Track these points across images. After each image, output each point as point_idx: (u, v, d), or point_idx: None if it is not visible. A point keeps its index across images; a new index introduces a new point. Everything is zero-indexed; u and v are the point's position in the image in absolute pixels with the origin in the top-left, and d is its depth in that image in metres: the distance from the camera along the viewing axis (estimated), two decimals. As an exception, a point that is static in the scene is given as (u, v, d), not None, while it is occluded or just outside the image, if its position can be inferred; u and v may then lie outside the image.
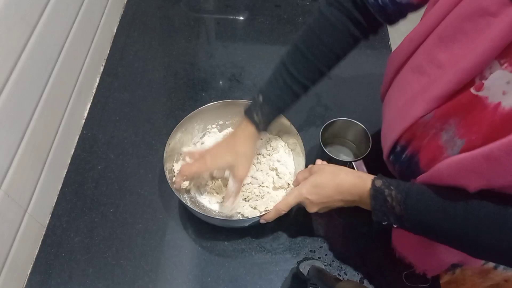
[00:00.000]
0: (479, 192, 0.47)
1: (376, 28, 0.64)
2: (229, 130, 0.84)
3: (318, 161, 0.68)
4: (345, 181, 0.60)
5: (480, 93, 0.47)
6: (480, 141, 0.47)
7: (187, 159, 0.74)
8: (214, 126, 0.83)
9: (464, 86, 0.49)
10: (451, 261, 0.67)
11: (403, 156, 0.60)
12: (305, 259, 0.65)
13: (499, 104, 0.45)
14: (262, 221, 0.66)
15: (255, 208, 0.73)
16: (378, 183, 0.55)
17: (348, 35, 0.63)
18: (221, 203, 0.74)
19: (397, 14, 0.61)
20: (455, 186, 0.49)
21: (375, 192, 0.55)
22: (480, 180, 0.46)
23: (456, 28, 0.50)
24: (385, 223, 0.55)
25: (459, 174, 0.48)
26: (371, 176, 0.57)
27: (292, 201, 0.63)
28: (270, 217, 0.66)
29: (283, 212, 0.65)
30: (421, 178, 0.55)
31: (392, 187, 0.54)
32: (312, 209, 0.63)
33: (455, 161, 0.48)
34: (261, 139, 0.81)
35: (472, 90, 0.48)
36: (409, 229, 0.54)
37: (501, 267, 0.67)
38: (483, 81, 0.46)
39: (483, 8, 0.45)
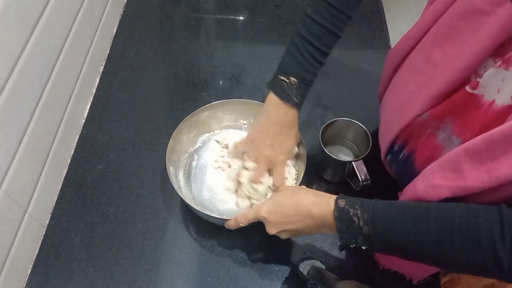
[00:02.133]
0: (451, 202, 0.46)
1: None
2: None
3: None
4: (305, 200, 0.56)
5: (476, 91, 0.47)
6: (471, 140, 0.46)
7: (248, 164, 0.72)
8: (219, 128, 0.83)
9: (459, 85, 0.49)
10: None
11: (400, 156, 0.60)
12: (305, 259, 0.65)
13: (493, 102, 0.45)
14: (226, 225, 0.66)
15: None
16: (342, 203, 0.52)
17: None
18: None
19: None
20: (430, 190, 0.48)
21: (340, 213, 0.51)
22: (454, 180, 0.45)
23: (450, 27, 0.50)
24: (353, 245, 0.52)
25: (437, 173, 0.48)
26: (333, 196, 0.54)
27: (250, 217, 0.61)
28: (232, 225, 0.64)
29: (242, 225, 0.63)
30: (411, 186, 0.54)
31: (356, 206, 0.51)
32: (270, 230, 0.60)
33: (438, 160, 0.48)
34: None
35: (468, 88, 0.48)
36: (380, 249, 0.51)
37: None
38: (478, 79, 0.46)
39: (477, 7, 0.46)
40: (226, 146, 0.81)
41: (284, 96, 0.65)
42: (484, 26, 0.45)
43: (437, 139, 0.53)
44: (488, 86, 0.46)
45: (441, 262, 0.48)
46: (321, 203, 0.54)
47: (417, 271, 0.66)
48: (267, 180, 0.71)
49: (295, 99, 0.65)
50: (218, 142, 0.81)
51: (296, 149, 0.74)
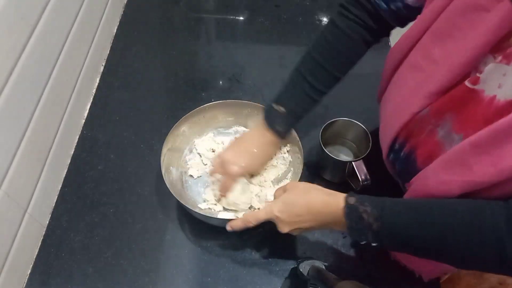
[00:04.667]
0: (457, 198, 0.47)
1: (388, 31, 0.67)
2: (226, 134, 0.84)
3: (291, 181, 0.68)
4: (316, 199, 0.57)
5: (476, 87, 0.47)
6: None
7: (217, 176, 0.73)
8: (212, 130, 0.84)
9: (459, 81, 0.49)
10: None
11: (401, 154, 0.60)
12: (305, 259, 0.65)
13: (494, 97, 0.45)
14: (228, 228, 0.64)
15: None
16: (351, 200, 0.53)
17: (362, 42, 0.66)
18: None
19: (409, 17, 0.62)
20: (438, 187, 0.49)
21: (350, 210, 0.53)
22: (462, 175, 0.46)
23: (450, 24, 0.50)
24: (363, 242, 0.53)
25: (445, 169, 0.48)
26: (343, 195, 0.55)
27: (262, 216, 0.61)
28: (237, 225, 0.63)
29: (251, 225, 0.62)
30: (413, 181, 0.55)
31: (366, 203, 0.52)
32: (283, 229, 0.60)
33: (444, 156, 0.49)
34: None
35: (468, 83, 0.48)
36: (388, 246, 0.52)
37: None
38: (478, 75, 0.47)
39: (476, 3, 0.46)
40: (213, 150, 0.81)
41: (269, 121, 0.70)
42: (483, 22, 0.45)
43: (437, 135, 0.53)
44: (488, 81, 0.46)
45: (448, 257, 0.49)
46: (332, 202, 0.55)
47: (427, 267, 0.66)
48: (241, 191, 0.72)
49: (277, 126, 0.69)
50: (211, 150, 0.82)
51: (268, 172, 0.76)
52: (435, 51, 0.53)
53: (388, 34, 0.68)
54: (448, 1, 0.50)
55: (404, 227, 0.49)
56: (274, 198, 0.64)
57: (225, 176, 0.71)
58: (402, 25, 0.64)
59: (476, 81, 0.47)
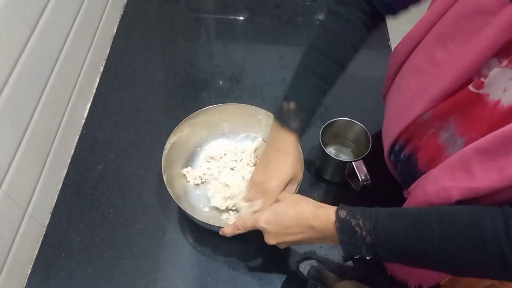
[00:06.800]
0: (455, 204, 0.46)
1: (383, 17, 0.65)
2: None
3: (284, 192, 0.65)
4: (306, 210, 0.56)
5: (481, 91, 0.47)
6: (480, 138, 0.46)
7: (248, 203, 0.68)
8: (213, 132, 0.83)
9: (462, 85, 0.49)
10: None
11: (402, 155, 0.60)
12: (305, 259, 0.65)
13: (498, 101, 0.45)
14: (220, 233, 0.64)
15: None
16: (343, 213, 0.52)
17: (363, 26, 0.64)
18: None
19: (400, 7, 0.62)
20: (439, 193, 0.48)
21: (341, 224, 0.51)
22: (465, 181, 0.45)
23: (454, 27, 0.50)
24: (357, 256, 0.51)
25: (448, 175, 0.47)
26: (333, 208, 0.54)
27: (249, 224, 0.60)
28: (228, 232, 0.63)
29: (239, 232, 0.62)
30: (416, 185, 0.54)
31: (358, 216, 0.50)
32: (269, 241, 0.59)
33: (447, 161, 0.48)
34: None
35: (471, 88, 0.47)
36: (384, 258, 0.50)
37: None
38: (482, 79, 0.46)
39: (482, 7, 0.46)
40: (213, 158, 0.80)
41: (281, 120, 0.66)
42: (488, 26, 0.45)
43: (440, 139, 0.53)
44: (494, 86, 0.45)
45: (447, 266, 0.48)
46: (322, 215, 0.54)
47: (427, 277, 0.64)
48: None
49: (291, 124, 0.65)
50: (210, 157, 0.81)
51: (298, 177, 0.69)
52: (438, 54, 0.52)
53: (383, 19, 0.66)
54: (451, 4, 0.50)
55: (400, 238, 0.47)
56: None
57: (265, 198, 0.66)
58: (394, 14, 0.63)
59: (480, 86, 0.47)
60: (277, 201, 0.62)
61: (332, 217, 0.52)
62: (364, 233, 0.49)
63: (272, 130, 0.68)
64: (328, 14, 0.66)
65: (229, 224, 0.64)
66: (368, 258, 0.51)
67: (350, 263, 0.71)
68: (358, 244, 0.50)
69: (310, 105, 0.66)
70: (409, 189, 0.57)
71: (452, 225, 0.45)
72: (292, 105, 0.65)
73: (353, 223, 0.50)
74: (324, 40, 0.65)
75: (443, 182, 0.48)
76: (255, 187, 0.68)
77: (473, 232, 0.43)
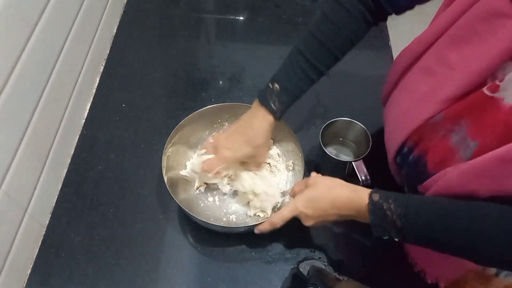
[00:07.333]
0: (484, 199, 0.46)
1: (386, 16, 0.64)
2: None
3: (313, 174, 0.66)
4: (341, 195, 0.59)
5: (496, 94, 0.46)
6: (496, 143, 0.46)
7: (202, 151, 0.73)
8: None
9: (476, 87, 0.48)
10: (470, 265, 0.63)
11: (410, 157, 0.60)
12: (305, 259, 0.65)
13: None
14: (256, 231, 0.65)
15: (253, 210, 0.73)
16: (376, 197, 0.54)
17: (363, 20, 0.63)
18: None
19: (406, 6, 0.61)
20: (465, 194, 0.48)
21: (374, 207, 0.53)
22: (493, 185, 0.46)
23: (469, 29, 0.49)
24: (386, 237, 0.54)
25: (472, 180, 0.48)
26: (368, 190, 0.56)
27: (287, 215, 0.62)
28: (265, 229, 0.64)
29: (278, 226, 0.63)
30: (429, 185, 0.54)
31: (390, 201, 0.52)
32: (307, 222, 0.62)
33: (467, 167, 0.48)
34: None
35: (486, 91, 0.47)
36: (411, 242, 0.52)
37: (503, 274, 0.67)
38: (497, 82, 0.46)
39: (498, 10, 0.45)
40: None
41: (262, 99, 0.67)
42: (505, 29, 0.45)
43: (450, 141, 0.53)
44: (509, 89, 0.45)
45: (472, 257, 0.49)
46: (356, 198, 0.56)
47: (447, 270, 0.65)
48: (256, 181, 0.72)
49: (272, 104, 0.66)
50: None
51: (259, 159, 0.73)
52: (451, 56, 0.52)
53: (385, 18, 0.65)
54: (467, 7, 0.50)
55: (428, 226, 0.50)
56: (294, 192, 0.65)
57: (216, 157, 0.70)
58: (398, 13, 0.62)
59: (495, 89, 0.46)
60: (306, 185, 0.63)
61: (366, 200, 0.55)
62: (394, 217, 0.51)
63: (253, 105, 0.69)
64: (331, 1, 0.64)
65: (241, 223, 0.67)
66: (396, 240, 0.53)
67: (350, 263, 0.72)
68: (387, 227, 0.52)
69: (294, 91, 0.67)
70: (426, 183, 0.57)
71: (481, 222, 0.46)
72: (276, 86, 0.66)
73: (385, 207, 0.52)
74: (321, 27, 0.64)
75: (470, 185, 0.48)
76: (213, 144, 0.72)
77: (504, 228, 0.44)
